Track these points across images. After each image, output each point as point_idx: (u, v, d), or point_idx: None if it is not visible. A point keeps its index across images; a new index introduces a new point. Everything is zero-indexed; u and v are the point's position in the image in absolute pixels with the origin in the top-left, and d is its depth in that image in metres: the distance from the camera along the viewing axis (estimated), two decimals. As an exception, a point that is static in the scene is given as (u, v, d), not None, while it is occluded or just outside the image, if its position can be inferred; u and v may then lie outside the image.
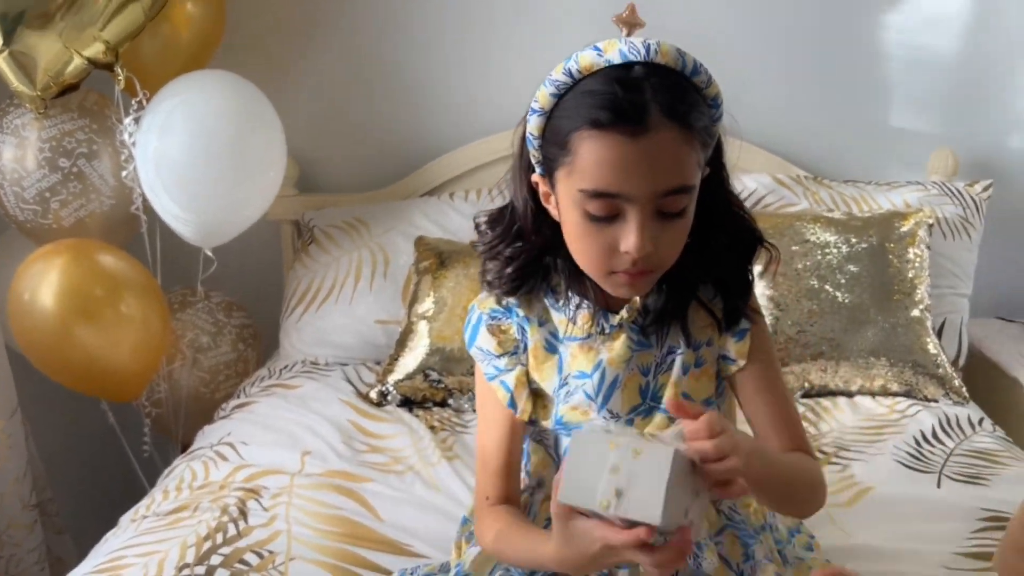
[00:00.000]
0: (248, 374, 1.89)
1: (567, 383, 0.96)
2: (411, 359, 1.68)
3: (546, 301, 0.98)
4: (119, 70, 1.61)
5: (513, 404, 0.97)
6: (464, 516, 1.13)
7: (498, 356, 0.98)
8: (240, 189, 1.69)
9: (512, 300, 0.98)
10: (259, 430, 1.55)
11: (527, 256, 0.94)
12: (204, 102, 1.63)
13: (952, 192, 1.87)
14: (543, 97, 0.86)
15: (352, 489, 1.36)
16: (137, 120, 1.64)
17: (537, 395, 0.99)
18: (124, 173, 1.68)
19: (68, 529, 1.89)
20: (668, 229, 0.85)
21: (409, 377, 1.66)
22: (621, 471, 0.70)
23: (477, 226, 0.98)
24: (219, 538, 1.23)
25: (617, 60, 0.83)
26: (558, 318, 0.98)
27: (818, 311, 1.67)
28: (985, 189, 1.89)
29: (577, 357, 0.96)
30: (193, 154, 1.61)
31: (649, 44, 0.83)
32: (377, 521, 1.28)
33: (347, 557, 1.19)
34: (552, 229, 0.92)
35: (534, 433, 1.03)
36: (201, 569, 1.16)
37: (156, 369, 1.78)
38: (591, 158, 0.82)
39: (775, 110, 1.97)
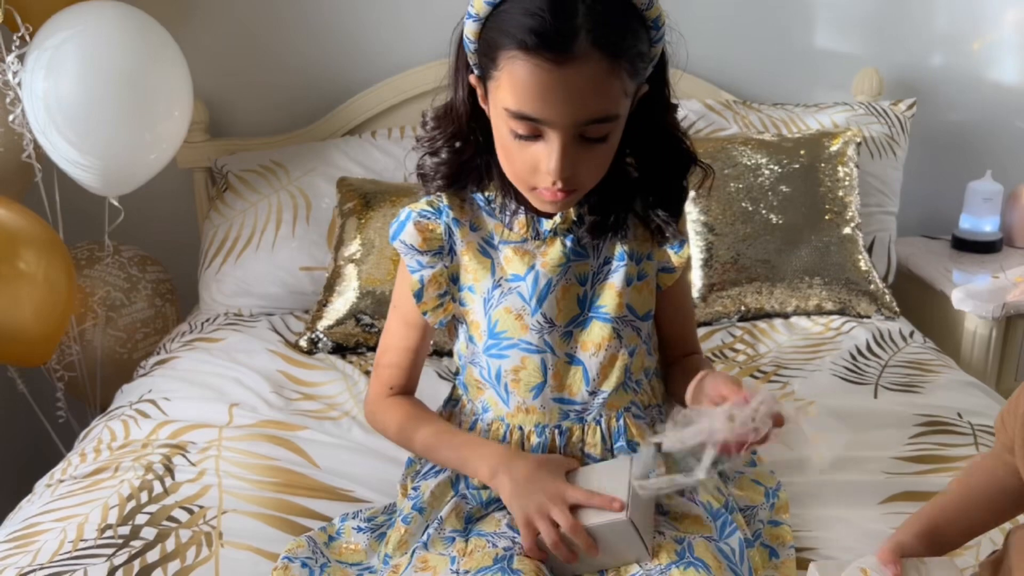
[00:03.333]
0: (168, 331, 1.80)
1: (500, 284, 0.97)
2: (341, 303, 1.61)
3: (478, 204, 0.99)
4: (-4, 1, 1.46)
5: (420, 295, 0.99)
6: (409, 458, 1.09)
7: (421, 252, 0.98)
8: (143, 131, 1.57)
9: (443, 202, 0.98)
10: (182, 385, 1.46)
11: (462, 155, 0.95)
12: (96, 36, 1.50)
13: (878, 111, 1.88)
14: (478, 3, 0.84)
15: (285, 438, 1.30)
16: (21, 58, 1.50)
17: (467, 314, 0.99)
18: (11, 117, 1.53)
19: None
20: (590, 153, 0.86)
21: (340, 323, 1.60)
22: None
23: (424, 123, 0.97)
24: (144, 497, 1.15)
25: None
26: (492, 223, 0.99)
27: (752, 233, 1.66)
28: (909, 108, 1.91)
29: (511, 260, 0.97)
30: (88, 94, 1.49)
31: None
32: (314, 468, 1.23)
33: (284, 506, 1.14)
34: (488, 131, 0.91)
35: (468, 356, 1.01)
36: (125, 529, 1.08)
37: (64, 330, 1.67)
38: (515, 80, 0.82)
39: (701, 35, 1.89)
